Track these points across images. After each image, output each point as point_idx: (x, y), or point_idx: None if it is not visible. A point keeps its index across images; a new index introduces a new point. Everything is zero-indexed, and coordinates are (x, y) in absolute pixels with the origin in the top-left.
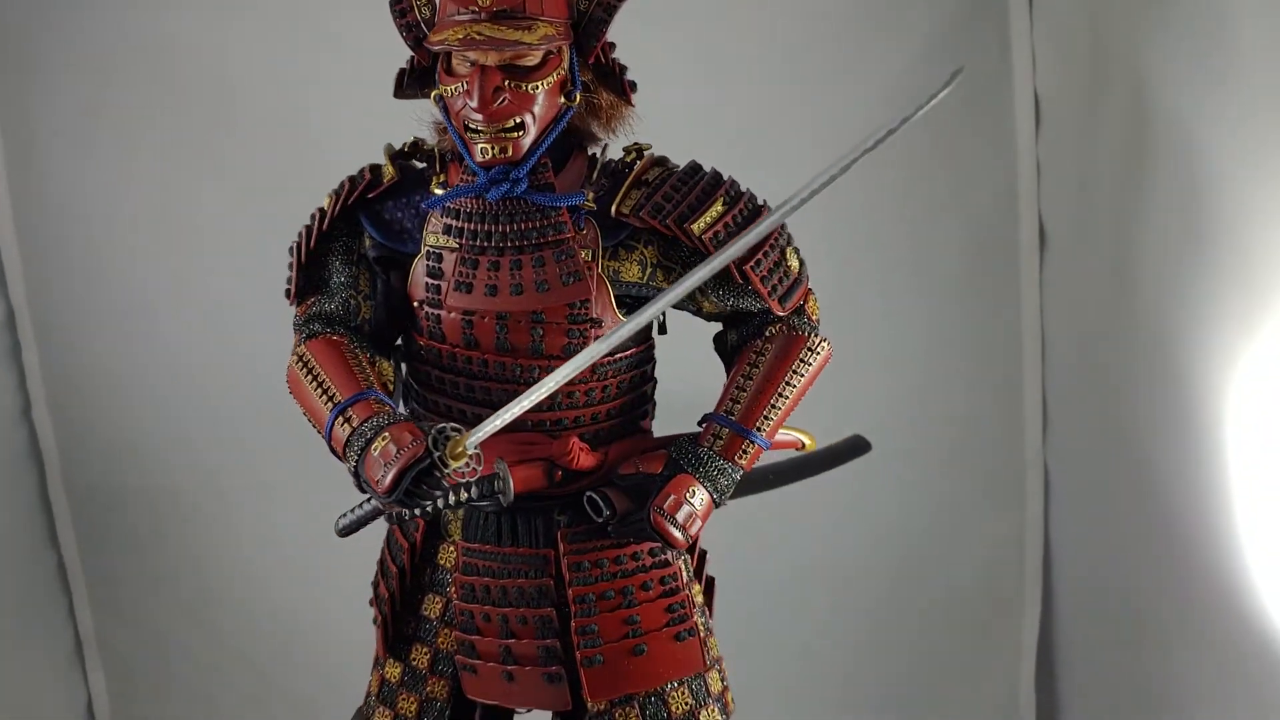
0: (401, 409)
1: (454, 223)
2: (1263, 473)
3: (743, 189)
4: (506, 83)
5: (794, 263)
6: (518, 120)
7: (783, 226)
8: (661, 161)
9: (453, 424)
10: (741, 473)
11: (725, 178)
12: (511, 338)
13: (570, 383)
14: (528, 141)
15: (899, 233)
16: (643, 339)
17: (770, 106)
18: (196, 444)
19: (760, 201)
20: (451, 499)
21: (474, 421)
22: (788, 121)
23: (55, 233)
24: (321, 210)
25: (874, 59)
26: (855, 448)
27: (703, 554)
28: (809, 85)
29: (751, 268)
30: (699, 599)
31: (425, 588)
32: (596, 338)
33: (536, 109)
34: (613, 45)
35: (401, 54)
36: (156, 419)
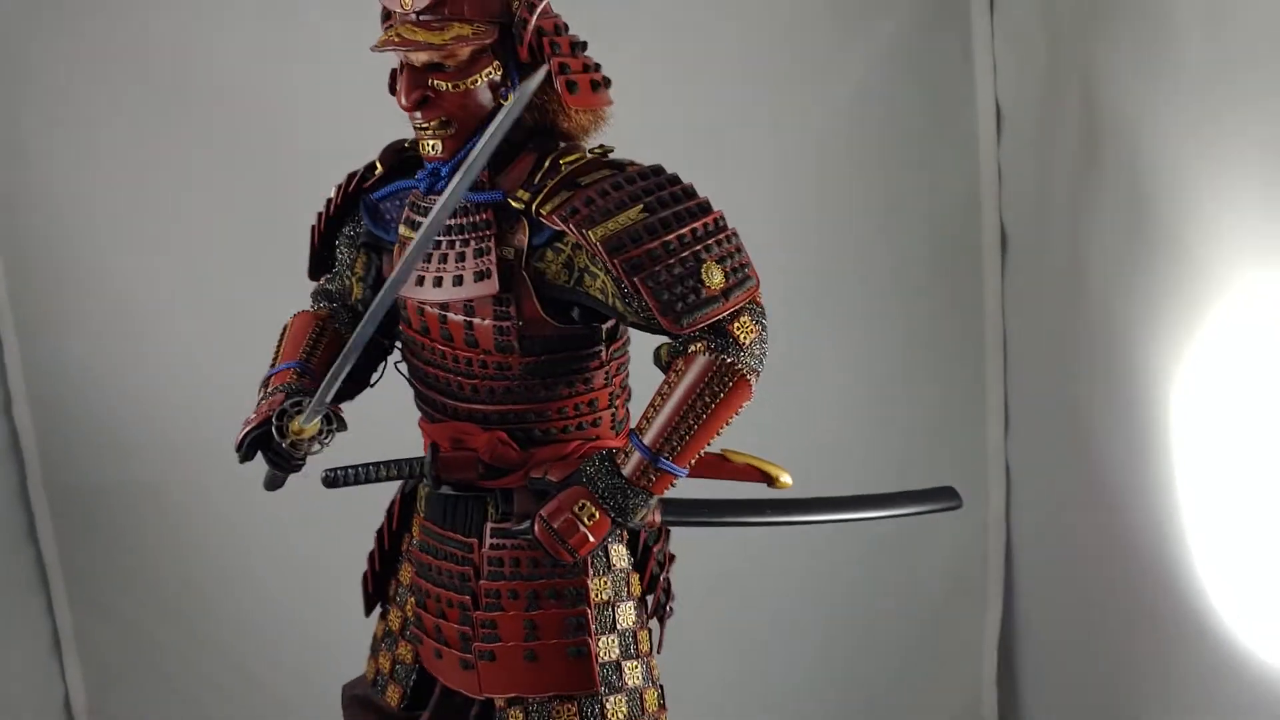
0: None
1: (413, 215)
2: (1205, 466)
3: (679, 196)
4: (433, 82)
5: (714, 279)
6: (443, 118)
7: (712, 237)
8: (616, 164)
9: (312, 401)
10: (649, 496)
11: (659, 182)
12: (449, 327)
13: (467, 375)
14: (458, 140)
15: (864, 235)
16: (576, 346)
17: (734, 111)
18: (177, 440)
19: (715, 211)
20: (379, 474)
21: (431, 408)
22: (751, 126)
23: (38, 228)
24: (329, 198)
25: (838, 67)
26: (944, 499)
27: (656, 580)
28: (773, 91)
29: (644, 278)
30: (625, 622)
31: (402, 555)
32: (525, 336)
33: (463, 109)
34: (579, 45)
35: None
36: (137, 415)
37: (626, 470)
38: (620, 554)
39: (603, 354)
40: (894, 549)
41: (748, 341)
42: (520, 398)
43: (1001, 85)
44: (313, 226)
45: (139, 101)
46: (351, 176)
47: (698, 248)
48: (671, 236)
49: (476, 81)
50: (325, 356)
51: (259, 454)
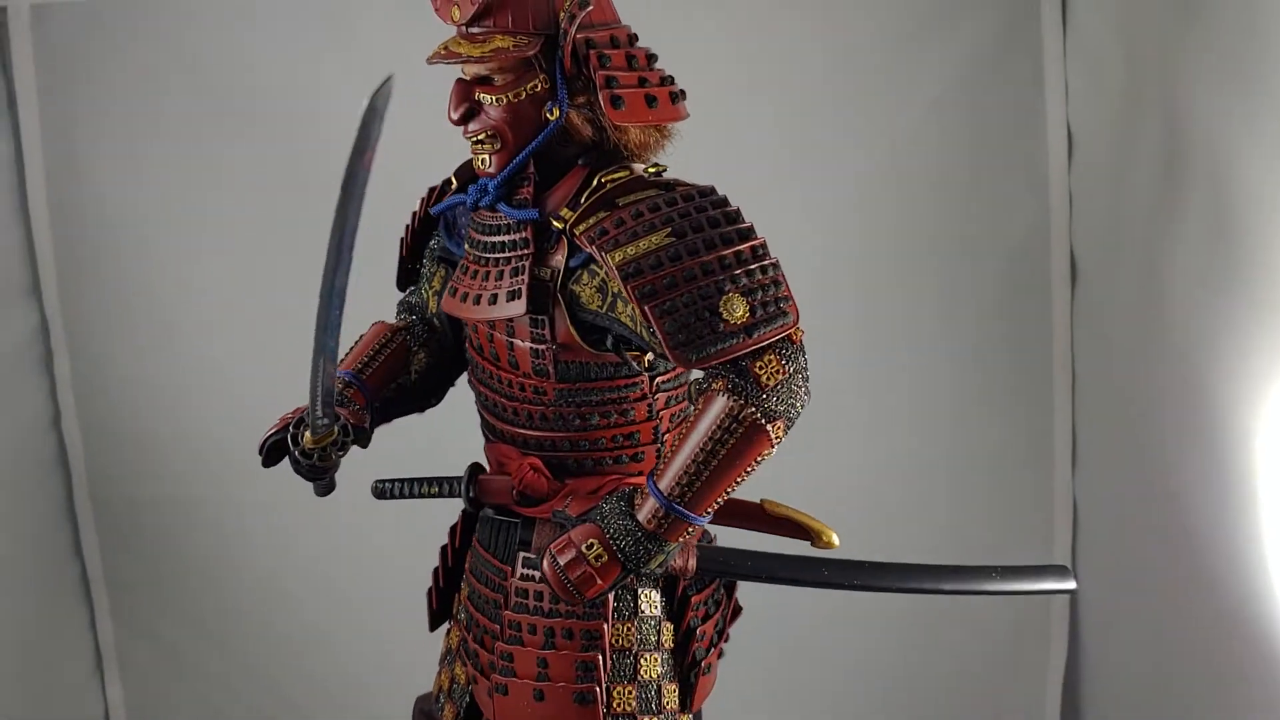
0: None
1: (474, 234)
2: None
3: (716, 220)
4: (479, 95)
5: (736, 312)
6: (489, 133)
7: (742, 266)
8: (665, 185)
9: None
10: (663, 543)
11: (700, 205)
12: (496, 347)
13: (509, 398)
14: (506, 155)
15: (930, 265)
16: (614, 375)
17: (800, 135)
18: (223, 458)
19: (757, 238)
20: (422, 490)
21: (485, 428)
22: (816, 151)
23: (90, 243)
24: (414, 211)
25: (904, 90)
26: (1057, 577)
27: (693, 632)
28: (838, 115)
29: (654, 306)
30: (649, 673)
31: (465, 573)
32: (561, 361)
33: (508, 123)
34: (638, 58)
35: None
36: (184, 431)
37: (641, 514)
38: (652, 600)
39: (645, 385)
40: None
41: (772, 384)
42: (555, 425)
43: (1073, 107)
44: (401, 239)
45: (190, 118)
46: (432, 191)
47: (720, 277)
48: (693, 263)
49: (520, 95)
50: (384, 369)
51: (286, 460)
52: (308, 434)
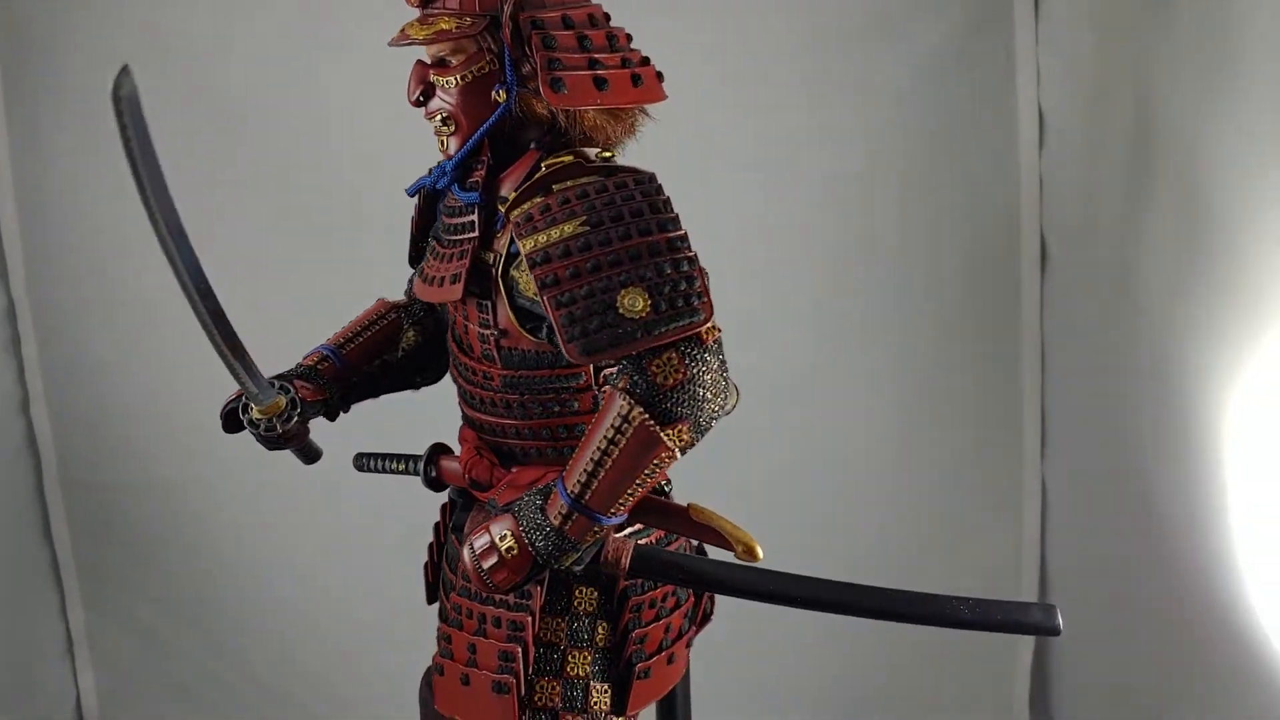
0: None
1: (444, 217)
2: (1261, 489)
3: (639, 211)
4: (433, 78)
5: (634, 306)
6: (444, 115)
7: (652, 259)
8: (608, 170)
9: (285, 384)
10: (571, 541)
11: (626, 194)
12: (457, 329)
13: (468, 381)
14: (460, 137)
15: (902, 250)
16: (553, 364)
17: (774, 120)
18: (194, 442)
19: (677, 230)
20: (394, 466)
21: (462, 412)
22: (787, 136)
23: (57, 226)
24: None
25: (879, 72)
26: (1042, 621)
27: (629, 633)
28: (812, 98)
29: (551, 296)
30: (576, 670)
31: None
32: (504, 347)
33: (460, 105)
34: (591, 39)
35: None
36: (154, 416)
37: (551, 510)
38: (587, 597)
39: (588, 377)
40: (925, 569)
41: (670, 384)
42: (502, 412)
43: (1045, 93)
44: (411, 217)
45: (160, 100)
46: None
47: (625, 269)
48: (601, 253)
49: (468, 77)
50: (368, 345)
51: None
52: (254, 405)
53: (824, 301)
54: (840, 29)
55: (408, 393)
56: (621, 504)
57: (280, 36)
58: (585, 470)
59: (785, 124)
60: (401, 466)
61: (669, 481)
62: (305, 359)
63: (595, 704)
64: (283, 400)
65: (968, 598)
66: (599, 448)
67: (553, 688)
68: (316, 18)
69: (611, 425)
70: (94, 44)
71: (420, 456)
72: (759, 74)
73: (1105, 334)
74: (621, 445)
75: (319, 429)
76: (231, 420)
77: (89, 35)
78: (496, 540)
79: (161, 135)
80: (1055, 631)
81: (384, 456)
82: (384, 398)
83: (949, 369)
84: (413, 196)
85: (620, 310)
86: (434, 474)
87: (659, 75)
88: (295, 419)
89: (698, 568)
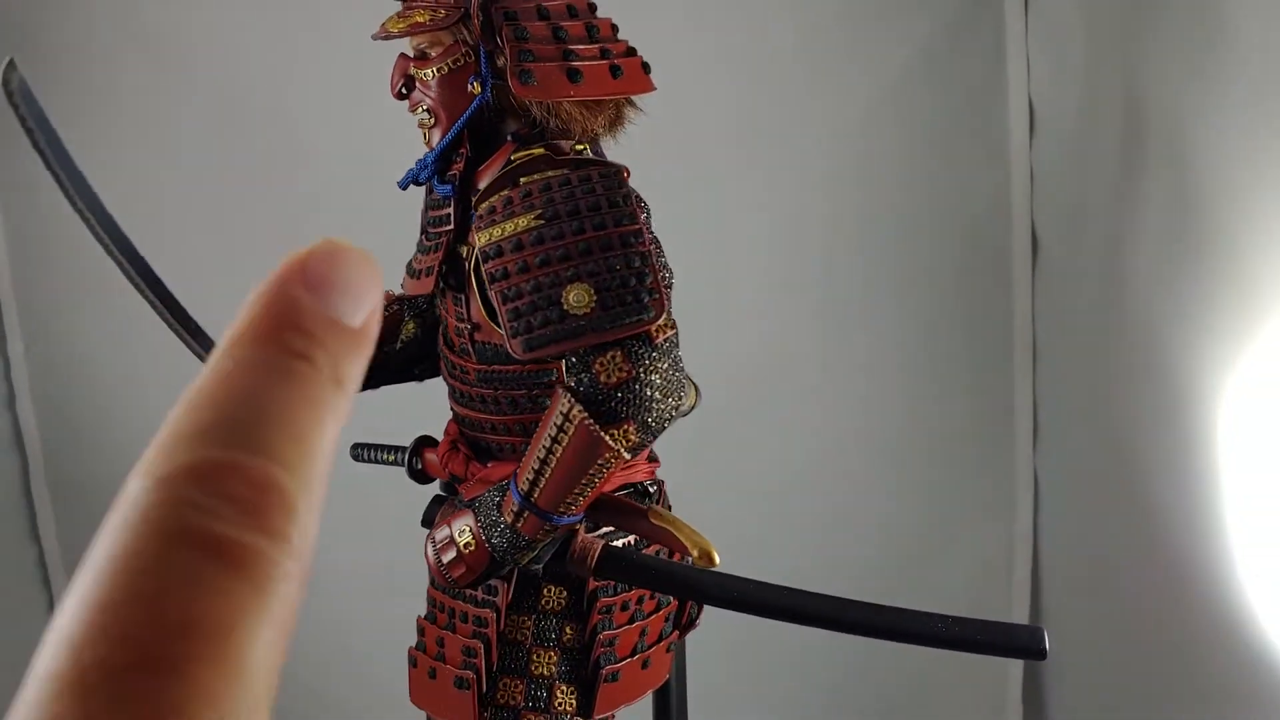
0: None
1: (429, 211)
2: (1257, 484)
3: (597, 205)
4: (412, 71)
5: (578, 302)
6: (424, 108)
7: (602, 253)
8: (578, 164)
9: None
10: (521, 538)
11: (588, 189)
12: (441, 323)
13: (451, 375)
14: (440, 130)
15: (891, 240)
16: (507, 359)
17: (757, 112)
18: None
19: (633, 224)
20: (384, 458)
21: (452, 411)
22: (774, 127)
23: (44, 222)
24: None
25: (867, 65)
26: (1028, 643)
27: (596, 634)
28: (800, 91)
29: (499, 290)
30: (541, 669)
31: None
32: (477, 341)
33: (438, 98)
34: (566, 29)
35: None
36: (143, 412)
37: (506, 508)
38: (555, 596)
39: (560, 373)
40: (919, 560)
41: (613, 383)
42: (478, 406)
43: (1035, 84)
44: (422, 210)
45: (145, 94)
46: None
47: (573, 263)
48: (551, 247)
49: (444, 69)
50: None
51: None
52: None
53: (811, 293)
54: (828, 21)
55: (422, 385)
56: (570, 503)
57: (266, 26)
58: (533, 468)
59: (774, 116)
60: (391, 458)
61: (653, 482)
62: None
63: (560, 705)
64: None
65: (949, 615)
66: (544, 446)
67: (516, 686)
68: (314, 9)
69: (554, 424)
70: (80, 38)
71: (405, 448)
72: (747, 66)
73: (1097, 325)
74: (565, 444)
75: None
76: None
77: (74, 29)
78: (455, 535)
79: (160, 134)
80: (1041, 655)
81: (377, 448)
82: (399, 388)
83: (938, 361)
84: (404, 189)
85: (565, 306)
86: (419, 466)
87: (644, 66)
88: None
89: (667, 571)
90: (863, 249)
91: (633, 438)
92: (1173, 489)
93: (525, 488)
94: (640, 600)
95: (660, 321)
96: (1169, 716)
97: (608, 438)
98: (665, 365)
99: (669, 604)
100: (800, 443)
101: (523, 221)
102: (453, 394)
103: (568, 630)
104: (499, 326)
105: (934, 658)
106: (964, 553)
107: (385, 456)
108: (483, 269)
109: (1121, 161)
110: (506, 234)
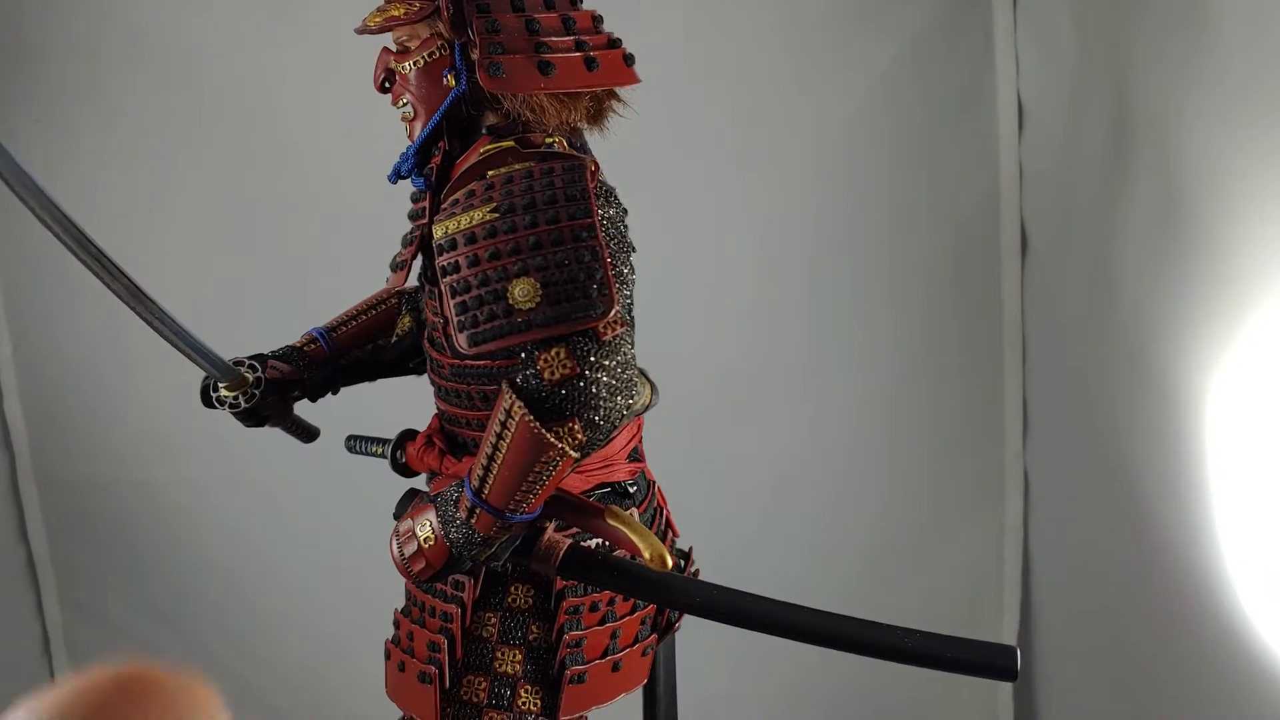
0: None
1: (413, 205)
2: (1243, 477)
3: (553, 199)
4: (393, 64)
5: (521, 296)
6: (404, 101)
7: (549, 248)
8: (546, 157)
9: (251, 364)
10: (476, 534)
11: (546, 183)
12: (422, 317)
13: (430, 369)
14: (420, 123)
15: (881, 237)
16: (493, 354)
17: (748, 109)
18: (172, 439)
19: (585, 219)
20: (372, 450)
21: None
22: (765, 124)
23: (30, 223)
24: None
25: (856, 61)
26: (1001, 663)
27: (563, 634)
28: (789, 87)
29: (449, 283)
30: (506, 667)
31: None
32: (450, 336)
33: (416, 91)
34: (537, 21)
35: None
36: (131, 412)
37: (462, 503)
38: (523, 594)
39: None
40: (910, 554)
41: (556, 379)
42: (452, 401)
43: (1024, 80)
44: None
45: (135, 94)
46: None
47: (523, 257)
48: (502, 240)
49: (420, 63)
50: (360, 329)
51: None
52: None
53: (800, 290)
54: (818, 17)
55: (421, 379)
56: (520, 501)
57: (255, 26)
58: (482, 465)
59: (762, 114)
60: (379, 450)
61: (633, 482)
62: (298, 340)
63: (524, 704)
64: (249, 376)
65: (919, 630)
66: (491, 443)
67: (480, 683)
68: (306, 5)
69: (499, 420)
70: (69, 39)
71: (389, 440)
72: (736, 62)
73: (1086, 320)
74: (509, 441)
75: (343, 416)
76: (206, 397)
77: (63, 30)
78: (417, 530)
79: (161, 133)
80: (1012, 676)
81: (367, 440)
82: (399, 383)
83: (928, 358)
84: (394, 184)
85: (510, 300)
86: (402, 459)
87: (626, 58)
88: (255, 396)
89: (634, 573)
90: (851, 246)
91: (579, 436)
92: (1160, 483)
93: (476, 484)
94: (612, 602)
95: (610, 318)
96: (1158, 707)
97: (550, 435)
98: (613, 363)
99: (645, 607)
100: (792, 438)
101: (477, 215)
102: (434, 389)
103: (534, 629)
104: None
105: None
106: (955, 546)
107: (374, 449)
108: (435, 262)
109: (1110, 158)
110: (461, 227)
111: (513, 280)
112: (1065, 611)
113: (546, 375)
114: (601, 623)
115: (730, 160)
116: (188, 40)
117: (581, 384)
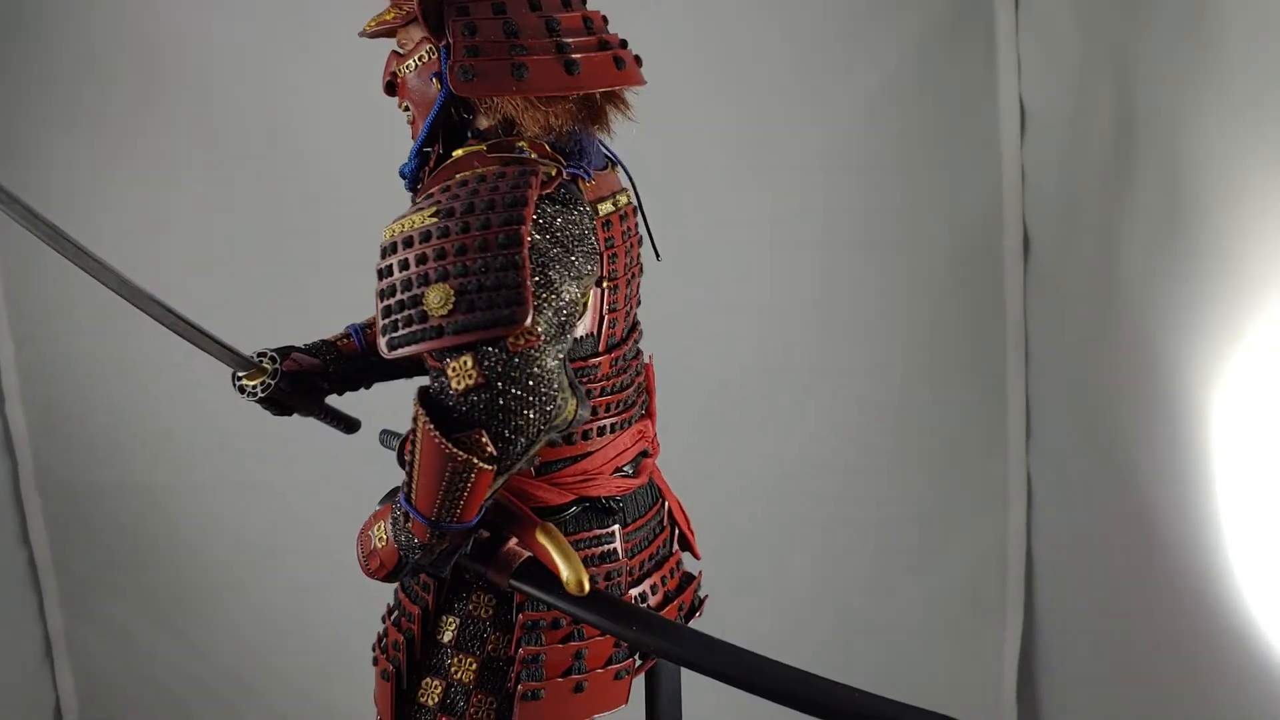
0: None
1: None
2: (1249, 479)
3: (490, 204)
4: (395, 67)
5: (436, 303)
6: (404, 104)
7: (469, 255)
8: (516, 161)
9: (271, 356)
10: (413, 538)
11: (491, 187)
12: None
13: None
14: (417, 126)
15: (884, 239)
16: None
17: (750, 113)
18: (174, 441)
19: (513, 226)
20: (392, 444)
21: None
22: (767, 128)
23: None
24: None
25: (859, 64)
26: None
27: (519, 647)
28: (793, 90)
29: (378, 289)
30: (461, 674)
31: None
32: None
33: (412, 94)
34: (515, 24)
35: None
36: (133, 416)
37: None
38: (483, 602)
39: None
40: (915, 557)
41: (460, 388)
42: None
43: (1026, 82)
44: None
45: (137, 98)
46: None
47: (444, 264)
48: (434, 245)
49: (412, 66)
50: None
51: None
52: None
53: (804, 293)
54: (821, 21)
55: None
56: (447, 509)
57: (257, 29)
58: (407, 472)
59: (766, 118)
60: (394, 445)
61: (619, 499)
62: (334, 335)
63: (474, 714)
64: (268, 367)
65: (862, 691)
66: (411, 451)
67: (435, 687)
68: (293, 10)
69: (411, 429)
70: (70, 40)
71: (396, 435)
72: (740, 65)
73: (1089, 322)
74: (420, 447)
75: (378, 410)
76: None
77: (64, 31)
78: (373, 529)
79: (170, 136)
80: None
81: (392, 435)
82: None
83: (932, 361)
84: (410, 190)
85: (425, 306)
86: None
87: (617, 60)
88: (271, 386)
89: (585, 596)
90: (853, 249)
91: (488, 449)
92: (1164, 486)
93: (406, 491)
94: (579, 620)
95: (524, 328)
96: (1162, 710)
97: (453, 446)
98: (525, 375)
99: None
100: (797, 441)
101: (419, 219)
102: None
103: (492, 639)
104: None
105: (927, 654)
106: (959, 548)
107: (390, 442)
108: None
109: (1112, 160)
110: (404, 230)
111: (430, 286)
112: (1069, 614)
113: (454, 384)
114: (565, 640)
115: (734, 164)
116: (195, 44)
117: (488, 395)
